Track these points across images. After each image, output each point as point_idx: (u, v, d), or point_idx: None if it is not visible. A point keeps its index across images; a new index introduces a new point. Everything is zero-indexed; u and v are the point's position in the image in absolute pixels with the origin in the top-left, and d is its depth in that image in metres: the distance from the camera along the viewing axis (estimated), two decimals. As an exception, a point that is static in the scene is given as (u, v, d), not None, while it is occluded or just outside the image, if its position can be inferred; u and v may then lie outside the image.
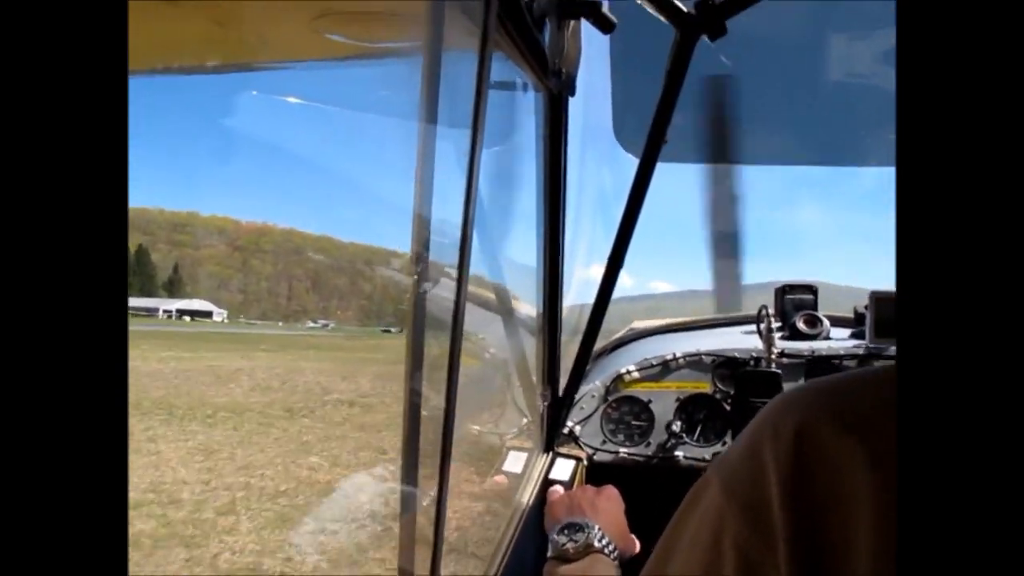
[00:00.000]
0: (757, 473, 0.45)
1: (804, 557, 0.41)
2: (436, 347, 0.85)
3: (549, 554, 1.10)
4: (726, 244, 2.23)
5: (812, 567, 0.41)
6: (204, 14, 0.88)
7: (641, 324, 2.09)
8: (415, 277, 0.77)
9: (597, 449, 1.58)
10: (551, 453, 1.55)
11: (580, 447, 1.58)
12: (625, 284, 1.51)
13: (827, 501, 0.41)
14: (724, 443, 1.55)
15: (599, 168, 1.75)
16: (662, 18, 1.19)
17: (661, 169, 1.34)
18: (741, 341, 1.71)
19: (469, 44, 0.81)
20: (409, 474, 0.83)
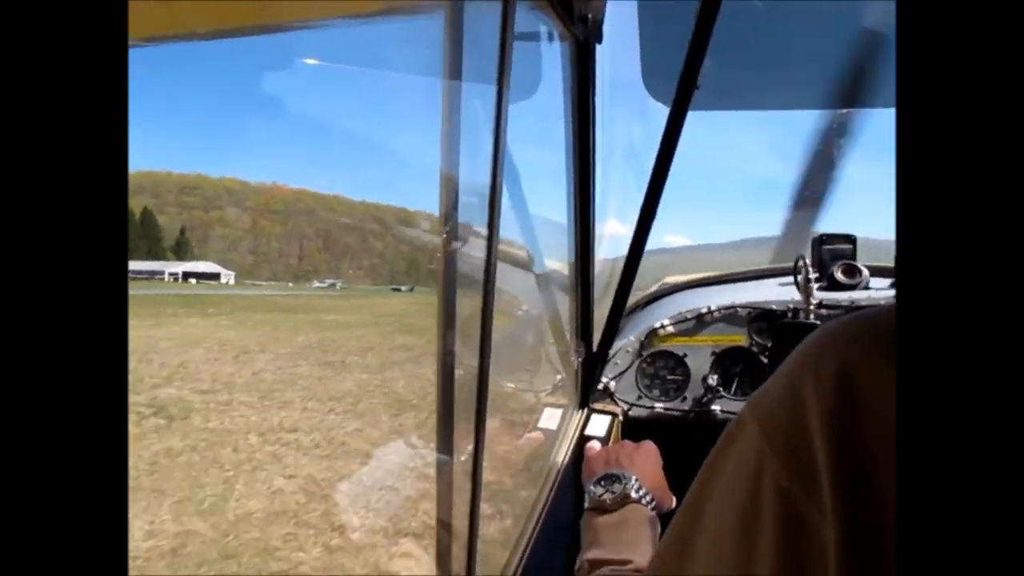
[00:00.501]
0: (798, 413, 0.42)
1: (850, 499, 0.39)
2: (468, 306, 0.84)
3: (586, 505, 1.10)
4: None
5: (859, 508, 0.39)
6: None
7: (673, 279, 2.06)
8: (444, 235, 0.75)
9: (632, 404, 1.58)
10: (586, 409, 1.55)
11: (615, 403, 1.58)
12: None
13: (872, 439, 0.39)
14: None
15: (628, 119, 1.71)
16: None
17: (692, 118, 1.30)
18: (777, 293, 1.68)
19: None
20: (445, 430, 0.83)
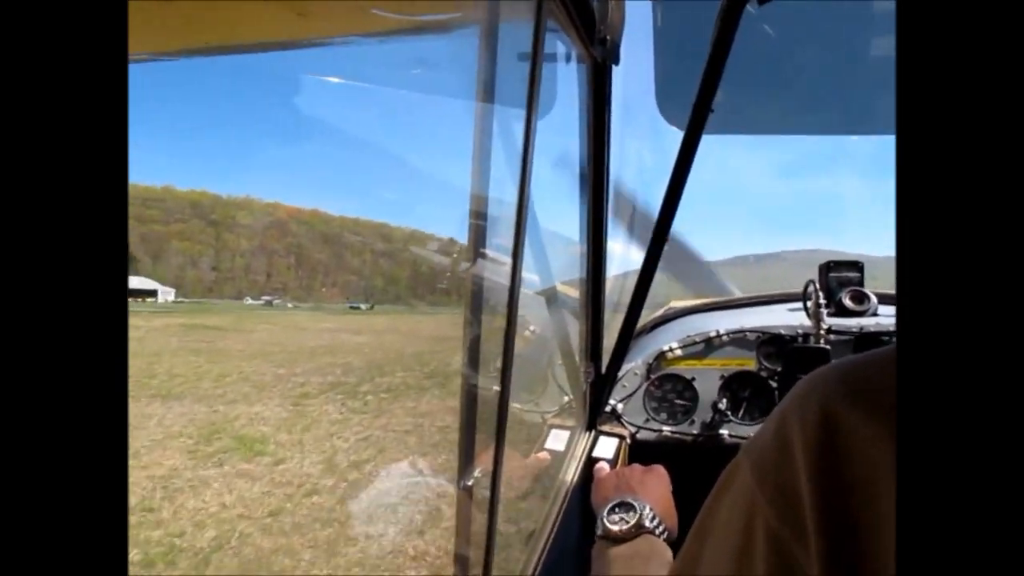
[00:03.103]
0: (785, 456, 0.44)
1: (834, 540, 0.41)
2: (489, 327, 0.83)
3: (598, 533, 1.08)
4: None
5: (842, 550, 0.40)
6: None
7: (681, 302, 2.06)
8: (471, 258, 0.75)
9: (640, 427, 1.56)
10: (594, 431, 1.53)
11: (623, 425, 1.57)
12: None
13: (854, 482, 0.41)
14: None
15: (641, 141, 1.71)
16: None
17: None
18: (785, 318, 1.68)
19: (521, 13, 0.78)
20: (466, 451, 0.82)
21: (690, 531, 0.53)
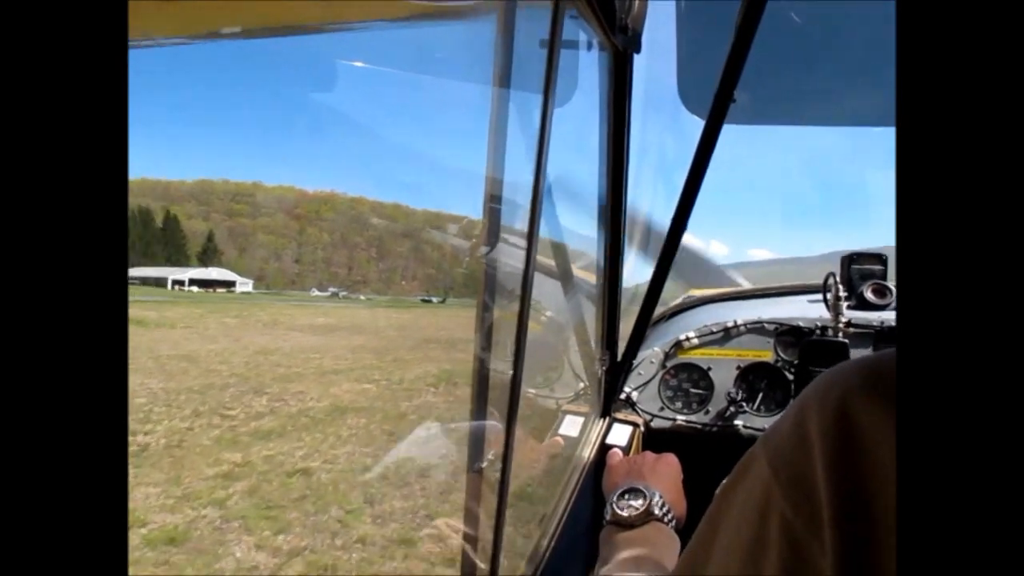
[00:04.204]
0: (803, 449, 0.44)
1: (848, 534, 0.41)
2: (501, 311, 0.84)
3: (607, 518, 1.09)
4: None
5: (857, 544, 0.41)
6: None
7: (699, 292, 2.05)
8: (485, 243, 0.76)
9: (654, 415, 1.57)
10: (608, 418, 1.54)
11: (637, 413, 1.58)
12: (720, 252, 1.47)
13: (870, 477, 0.41)
14: None
15: (661, 130, 1.71)
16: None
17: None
18: (804, 310, 1.67)
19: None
20: (476, 432, 0.84)
21: (703, 519, 0.53)
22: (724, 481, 0.53)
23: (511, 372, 0.83)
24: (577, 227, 1.46)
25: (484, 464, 0.92)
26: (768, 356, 1.58)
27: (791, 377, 1.54)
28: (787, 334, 1.59)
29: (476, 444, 0.87)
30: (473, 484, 0.90)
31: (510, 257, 0.81)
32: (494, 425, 0.89)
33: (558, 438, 1.45)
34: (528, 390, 1.49)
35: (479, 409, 0.84)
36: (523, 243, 0.79)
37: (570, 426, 1.47)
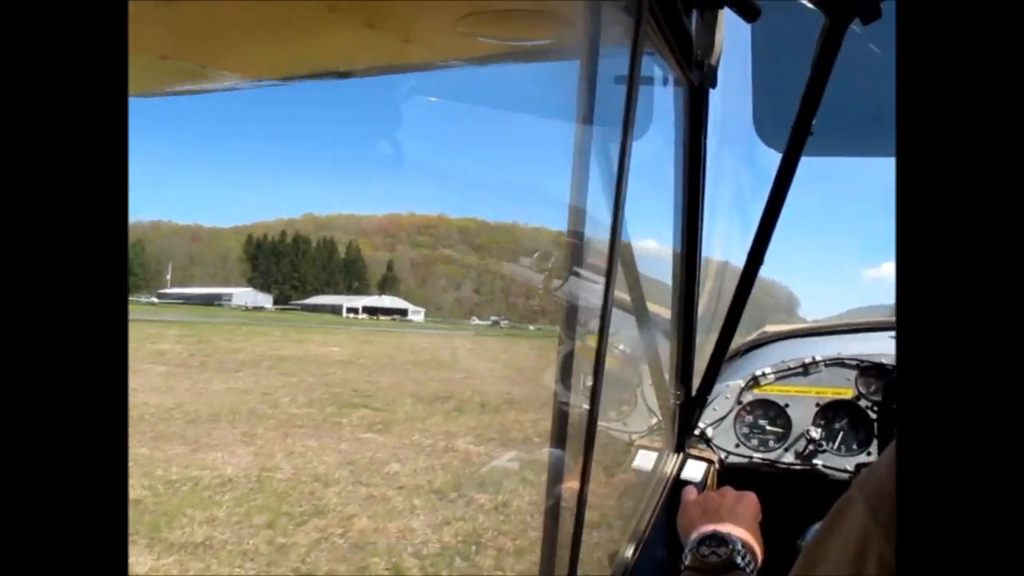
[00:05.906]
0: None
1: None
2: (581, 344, 0.85)
3: (686, 562, 1.07)
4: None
5: None
6: (358, 17, 0.92)
7: (774, 327, 2.01)
8: (565, 276, 0.77)
9: (730, 452, 1.54)
10: (682, 454, 1.52)
11: (712, 449, 1.55)
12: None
13: None
14: (868, 453, 1.46)
15: (737, 163, 1.70)
16: (809, 3, 1.13)
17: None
18: (887, 346, 1.61)
19: (618, 38, 0.81)
20: (555, 467, 0.84)
21: (795, 567, 0.53)
22: (815, 530, 0.52)
23: (587, 406, 0.84)
24: (652, 260, 1.46)
25: (559, 498, 0.93)
26: (848, 393, 1.53)
27: (873, 416, 1.48)
28: (870, 371, 1.53)
29: (554, 478, 0.88)
30: (550, 517, 0.90)
31: (589, 292, 0.82)
32: (571, 458, 0.90)
33: (631, 473, 1.43)
34: (602, 424, 1.48)
35: (558, 442, 0.85)
36: (601, 277, 0.80)
37: (643, 460, 1.45)
